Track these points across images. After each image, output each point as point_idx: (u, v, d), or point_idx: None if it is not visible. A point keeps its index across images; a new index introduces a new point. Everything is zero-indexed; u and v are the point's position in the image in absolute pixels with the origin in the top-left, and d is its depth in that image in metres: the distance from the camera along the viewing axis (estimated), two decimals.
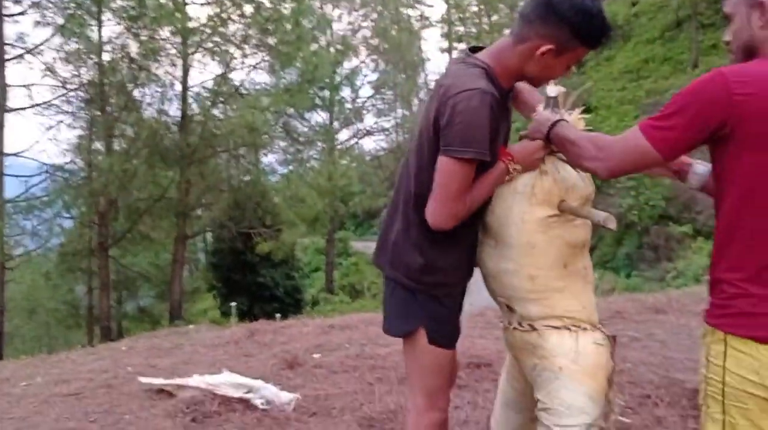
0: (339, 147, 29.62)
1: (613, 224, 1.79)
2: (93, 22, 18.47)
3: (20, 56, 18.14)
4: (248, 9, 19.62)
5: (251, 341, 5.64)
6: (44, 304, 21.91)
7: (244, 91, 21.13)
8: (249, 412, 3.52)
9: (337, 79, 28.04)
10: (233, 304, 15.55)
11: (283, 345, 5.20)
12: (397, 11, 33.54)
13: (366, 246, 28.31)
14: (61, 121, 19.36)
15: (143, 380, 4.12)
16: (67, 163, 19.87)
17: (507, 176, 1.89)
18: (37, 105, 18.56)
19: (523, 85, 2.05)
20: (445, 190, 1.80)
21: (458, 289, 2.04)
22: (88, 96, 19.04)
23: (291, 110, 22.10)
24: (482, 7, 41.05)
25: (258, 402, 3.57)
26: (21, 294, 21.96)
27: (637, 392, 3.47)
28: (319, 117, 28.52)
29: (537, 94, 2.07)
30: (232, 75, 21.14)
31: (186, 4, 19.17)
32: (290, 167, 23.45)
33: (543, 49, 1.79)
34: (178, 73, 20.14)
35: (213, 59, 20.25)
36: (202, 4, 19.99)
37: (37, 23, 17.88)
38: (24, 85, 18.29)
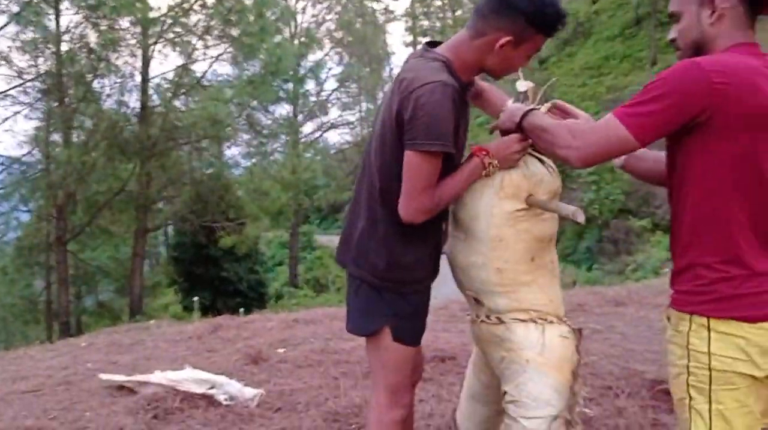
0: (303, 140, 29.49)
1: (581, 218, 1.81)
2: (50, 11, 18.02)
3: None
4: None
5: (214, 336, 5.57)
6: (1, 299, 21.37)
7: (206, 83, 20.90)
8: (212, 408, 3.47)
9: (302, 71, 27.88)
10: (195, 299, 15.35)
11: (246, 340, 5.15)
12: (362, 4, 33.49)
13: (330, 240, 28.26)
14: (18, 112, 18.92)
15: (103, 376, 4.04)
16: (24, 155, 19.46)
17: (484, 172, 1.89)
18: None
19: (486, 85, 2.06)
20: (412, 183, 1.80)
21: (424, 285, 2.03)
22: (46, 87, 18.59)
23: (255, 103, 21.90)
24: (446, 1, 41.24)
25: (221, 398, 3.53)
26: None
27: (598, 383, 3.52)
28: (284, 110, 28.36)
29: (501, 91, 2.08)
30: (194, 66, 20.95)
31: None
32: (254, 160, 23.30)
33: (501, 41, 1.80)
34: (139, 63, 19.84)
35: (174, 50, 20.01)
36: None
37: None
38: None
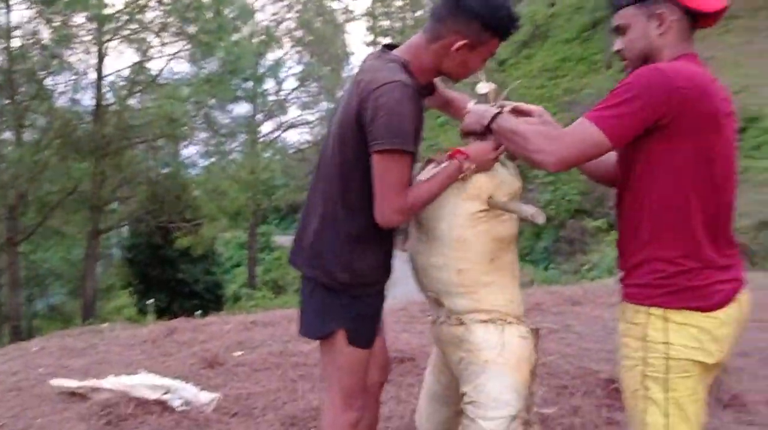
0: (262, 139, 29.22)
1: (541, 219, 1.83)
2: (1, 5, 17.53)
3: None
4: None
5: (169, 339, 5.46)
6: None
7: (162, 81, 20.57)
8: (167, 414, 3.39)
9: (261, 70, 27.66)
10: (150, 301, 15.14)
11: (203, 343, 5.06)
12: (322, 3, 33.32)
13: (289, 240, 27.86)
14: None
15: (55, 382, 3.92)
16: None
17: (461, 175, 1.89)
18: None
19: (449, 91, 2.08)
20: (384, 185, 1.79)
21: (379, 287, 2.02)
22: None
23: (212, 101, 21.63)
24: (407, 1, 41.38)
25: (176, 403, 3.45)
26: None
27: (554, 382, 3.56)
28: (242, 109, 28.05)
29: (458, 94, 2.10)
30: (150, 64, 20.58)
31: None
32: (212, 160, 22.99)
33: (457, 44, 1.82)
34: (93, 61, 19.42)
35: (130, 47, 19.65)
36: None
37: None
38: None
